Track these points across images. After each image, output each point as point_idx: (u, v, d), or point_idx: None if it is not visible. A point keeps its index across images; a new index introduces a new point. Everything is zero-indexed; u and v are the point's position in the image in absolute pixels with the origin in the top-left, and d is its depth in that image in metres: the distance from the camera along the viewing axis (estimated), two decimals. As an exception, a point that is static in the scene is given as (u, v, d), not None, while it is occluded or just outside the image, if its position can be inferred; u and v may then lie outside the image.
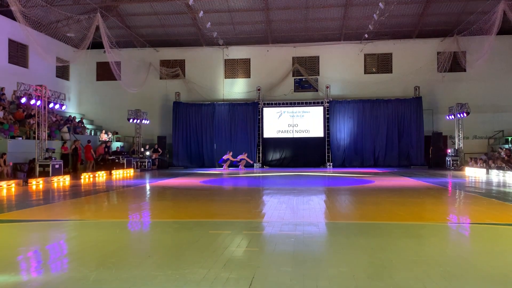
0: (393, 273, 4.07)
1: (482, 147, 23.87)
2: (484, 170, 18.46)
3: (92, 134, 23.93)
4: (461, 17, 22.15)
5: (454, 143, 23.39)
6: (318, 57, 25.51)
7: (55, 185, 14.25)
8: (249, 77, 25.83)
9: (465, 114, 21.68)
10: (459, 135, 22.85)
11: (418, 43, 24.61)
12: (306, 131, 24.93)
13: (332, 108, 24.46)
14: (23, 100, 16.08)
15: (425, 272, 4.07)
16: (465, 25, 21.49)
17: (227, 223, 6.97)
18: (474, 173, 18.83)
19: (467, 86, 23.87)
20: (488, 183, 14.22)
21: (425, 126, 23.84)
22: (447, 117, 23.36)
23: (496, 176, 16.94)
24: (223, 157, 23.43)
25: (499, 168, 17.79)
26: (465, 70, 23.84)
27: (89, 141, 20.17)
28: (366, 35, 23.33)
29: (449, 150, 23.12)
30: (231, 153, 23.36)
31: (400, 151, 23.97)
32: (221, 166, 23.51)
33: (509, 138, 22.36)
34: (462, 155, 22.72)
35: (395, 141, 23.99)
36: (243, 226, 6.51)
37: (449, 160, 22.55)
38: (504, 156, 18.87)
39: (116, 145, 24.10)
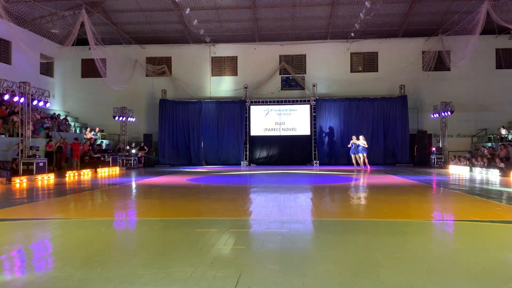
0: (379, 270, 4.11)
1: (465, 145, 24.25)
2: (468, 168, 18.74)
3: (77, 132, 23.65)
4: (445, 16, 22.44)
5: (439, 141, 23.71)
6: (305, 55, 25.60)
7: (39, 183, 14.06)
8: (236, 75, 25.80)
9: (449, 113, 21.98)
10: (443, 134, 23.16)
11: (403, 42, 24.86)
12: (293, 129, 25.02)
13: (318, 106, 24.58)
14: (6, 97, 15.81)
15: (410, 268, 4.12)
16: (450, 24, 21.80)
17: (214, 221, 6.95)
18: (457, 171, 19.11)
19: (452, 85, 24.22)
20: (472, 180, 14.44)
21: (410, 125, 24.12)
22: (432, 115, 23.65)
23: (479, 174, 17.21)
24: (359, 146, 19.81)
25: (482, 166, 18.07)
26: (449, 69, 24.18)
27: (76, 139, 19.94)
28: (352, 34, 23.48)
29: (433, 148, 23.43)
30: (354, 137, 20.35)
31: (386, 149, 24.22)
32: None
33: (492, 137, 22.74)
34: (446, 153, 23.03)
35: (381, 139, 24.22)
36: (229, 224, 6.50)
37: (434, 158, 22.84)
38: (487, 154, 19.17)
39: (99, 143, 23.85)
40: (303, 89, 25.35)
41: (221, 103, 25.14)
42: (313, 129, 24.77)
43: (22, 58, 21.04)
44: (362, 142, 19.79)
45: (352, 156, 20.57)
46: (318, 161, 24.35)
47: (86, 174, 17.70)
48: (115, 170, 20.22)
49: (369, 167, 19.89)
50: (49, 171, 16.42)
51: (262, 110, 25.21)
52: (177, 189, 12.21)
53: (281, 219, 6.85)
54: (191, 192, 11.73)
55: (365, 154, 19.94)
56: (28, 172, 14.95)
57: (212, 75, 25.94)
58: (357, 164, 20.30)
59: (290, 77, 25.44)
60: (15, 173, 15.11)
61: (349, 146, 20.64)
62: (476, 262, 4.42)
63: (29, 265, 4.39)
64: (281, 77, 25.58)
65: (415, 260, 4.43)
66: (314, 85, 24.84)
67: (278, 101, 25.07)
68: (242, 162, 24.59)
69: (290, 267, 4.18)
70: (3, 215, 7.49)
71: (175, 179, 15.60)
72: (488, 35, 22.50)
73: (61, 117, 23.49)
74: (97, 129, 24.32)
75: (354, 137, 20.35)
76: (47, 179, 15.14)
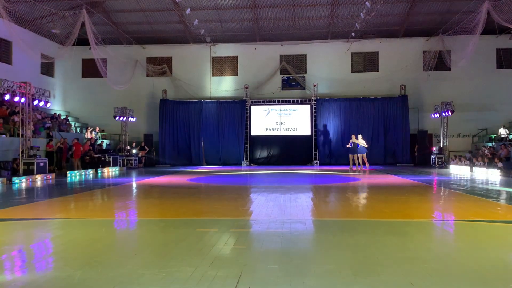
0: (379, 269, 4.11)
1: (466, 145, 24.24)
2: (468, 168, 18.72)
3: (78, 132, 23.67)
4: (446, 16, 22.43)
5: (439, 141, 23.70)
6: (305, 55, 25.59)
7: (40, 183, 14.07)
8: (237, 75, 25.80)
9: (450, 113, 21.96)
10: (444, 133, 23.15)
11: (404, 42, 24.85)
12: (294, 129, 25.01)
13: (319, 106, 24.58)
14: (7, 97, 15.81)
15: (410, 268, 4.12)
16: (450, 24, 21.78)
17: (214, 221, 6.95)
18: (458, 171, 19.09)
19: (452, 85, 24.20)
20: (472, 180, 14.43)
21: (410, 124, 24.11)
22: (432, 115, 23.64)
23: (480, 174, 17.19)
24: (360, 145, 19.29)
25: (482, 166, 18.06)
26: (450, 69, 24.15)
27: (77, 139, 19.96)
28: (353, 34, 23.47)
29: (434, 148, 23.42)
30: (354, 136, 19.80)
31: (386, 149, 24.20)
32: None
33: (493, 136, 22.73)
34: (447, 153, 23.03)
35: (381, 139, 24.20)
36: (230, 224, 6.50)
37: (434, 158, 22.83)
38: (487, 154, 19.16)
39: (99, 143, 23.84)
40: (304, 89, 25.35)
41: (222, 103, 25.15)
42: (313, 129, 24.77)
43: (22, 58, 21.05)
44: (362, 141, 19.52)
45: (350, 155, 20.11)
46: (318, 161, 24.35)
47: (87, 174, 17.71)
48: (116, 170, 20.23)
49: (368, 166, 19.70)
50: (50, 171, 16.42)
51: (262, 110, 25.22)
52: (177, 189, 12.22)
53: (282, 219, 6.85)
54: (192, 192, 11.73)
55: (364, 154, 19.65)
56: (28, 172, 14.95)
57: (213, 75, 25.95)
58: (353, 164, 19.97)
59: (291, 77, 25.44)
60: (16, 173, 15.12)
61: (348, 146, 20.18)
62: (477, 262, 4.42)
63: (30, 265, 4.39)
64: (282, 77, 25.58)
65: (416, 260, 4.42)
66: (314, 85, 24.83)
67: (278, 101, 25.07)
68: (242, 162, 24.59)
69: (291, 267, 4.18)
70: (4, 215, 7.49)
71: (175, 179, 15.61)
72: (489, 35, 22.49)
73: (62, 117, 23.49)
74: (97, 129, 24.32)
75: (353, 136, 20.00)
76: (47, 179, 15.15)
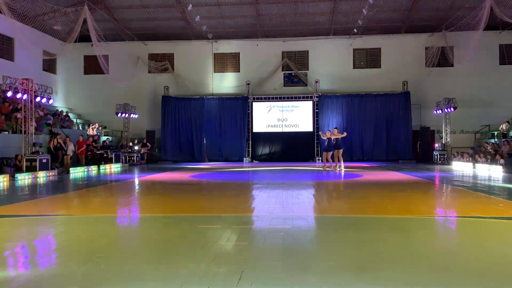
0: (381, 266, 4.11)
1: (469, 141, 24.18)
2: (471, 164, 18.69)
3: (80, 128, 23.69)
4: (449, 12, 22.33)
5: (442, 138, 23.65)
6: (307, 51, 25.53)
7: (43, 180, 14.11)
8: (239, 72, 25.78)
9: (452, 109, 21.92)
10: (446, 130, 23.10)
11: (406, 38, 24.76)
12: (296, 125, 25.00)
13: (321, 103, 24.55)
14: (9, 94, 15.83)
15: (412, 265, 4.12)
16: (453, 20, 21.68)
17: (217, 217, 6.96)
18: (460, 168, 19.06)
19: (455, 81, 24.11)
20: (475, 177, 14.40)
21: (413, 121, 24.08)
22: (435, 111, 23.58)
23: (482, 170, 17.16)
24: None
25: (485, 162, 18.03)
26: (452, 65, 24.06)
27: (81, 136, 19.97)
28: (355, 30, 23.42)
29: (436, 145, 23.38)
30: (329, 132, 17.19)
31: (388, 145, 24.17)
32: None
33: (495, 133, 22.67)
34: (449, 149, 22.98)
35: (383, 136, 24.17)
36: (232, 221, 6.51)
37: (437, 155, 22.80)
38: (490, 150, 19.12)
39: (104, 139, 23.87)
40: (306, 85, 25.31)
41: (224, 100, 25.14)
42: (315, 126, 24.75)
43: (25, 55, 21.06)
44: (337, 135, 16.58)
45: (329, 153, 17.12)
46: (320, 158, 24.34)
47: (89, 171, 17.74)
48: (118, 167, 20.25)
49: (331, 164, 17.19)
50: (52, 168, 16.45)
51: (264, 107, 25.20)
52: (179, 186, 12.23)
53: (284, 216, 6.86)
54: (194, 188, 11.75)
55: (340, 151, 16.84)
56: (31, 168, 14.99)
57: (215, 72, 25.93)
58: (333, 161, 17.14)
59: (293, 74, 25.40)
60: (19, 169, 15.16)
61: (323, 137, 17.55)
62: (479, 258, 4.42)
63: (33, 261, 4.41)
64: (284, 74, 25.54)
65: (418, 256, 4.43)
66: (316, 81, 24.79)
67: (280, 98, 25.05)
68: (244, 159, 24.60)
69: (293, 264, 4.19)
70: (7, 212, 7.52)
71: (177, 175, 15.63)
72: (492, 31, 22.37)
73: (64, 114, 23.51)
74: (96, 125, 24.29)
75: (328, 132, 17.29)
76: (50, 176, 15.19)
